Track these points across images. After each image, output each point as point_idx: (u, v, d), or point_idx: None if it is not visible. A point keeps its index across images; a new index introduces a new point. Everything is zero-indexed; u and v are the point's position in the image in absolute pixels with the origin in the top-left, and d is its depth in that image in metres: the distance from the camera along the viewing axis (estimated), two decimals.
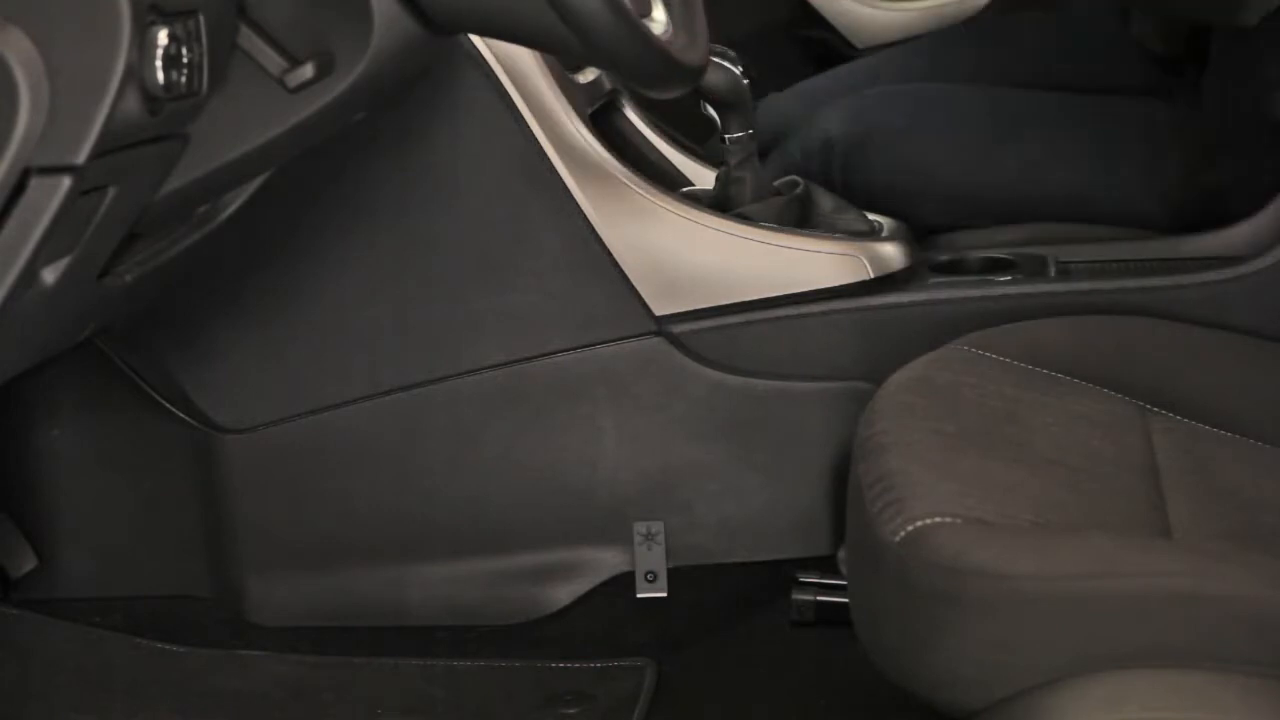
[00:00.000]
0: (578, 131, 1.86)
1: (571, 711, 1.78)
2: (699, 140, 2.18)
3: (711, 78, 1.86)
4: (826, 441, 1.89)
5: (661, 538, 1.90)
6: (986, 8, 2.60)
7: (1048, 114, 2.01)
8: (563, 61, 1.91)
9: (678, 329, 1.85)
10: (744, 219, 1.85)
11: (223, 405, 1.91)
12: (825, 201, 1.92)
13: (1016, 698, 1.28)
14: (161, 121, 1.15)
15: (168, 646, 1.90)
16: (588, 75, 1.98)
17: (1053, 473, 1.42)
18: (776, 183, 1.93)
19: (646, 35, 1.32)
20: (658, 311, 1.84)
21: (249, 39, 1.25)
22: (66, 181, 1.08)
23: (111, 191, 1.16)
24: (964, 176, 1.97)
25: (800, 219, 1.90)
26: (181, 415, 1.94)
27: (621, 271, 1.85)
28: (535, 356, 1.86)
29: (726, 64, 1.90)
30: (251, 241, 1.81)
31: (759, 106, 2.07)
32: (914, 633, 1.31)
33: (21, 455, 1.99)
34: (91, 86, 1.07)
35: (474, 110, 1.81)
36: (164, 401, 1.94)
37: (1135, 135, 2.02)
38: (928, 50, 2.28)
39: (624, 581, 1.91)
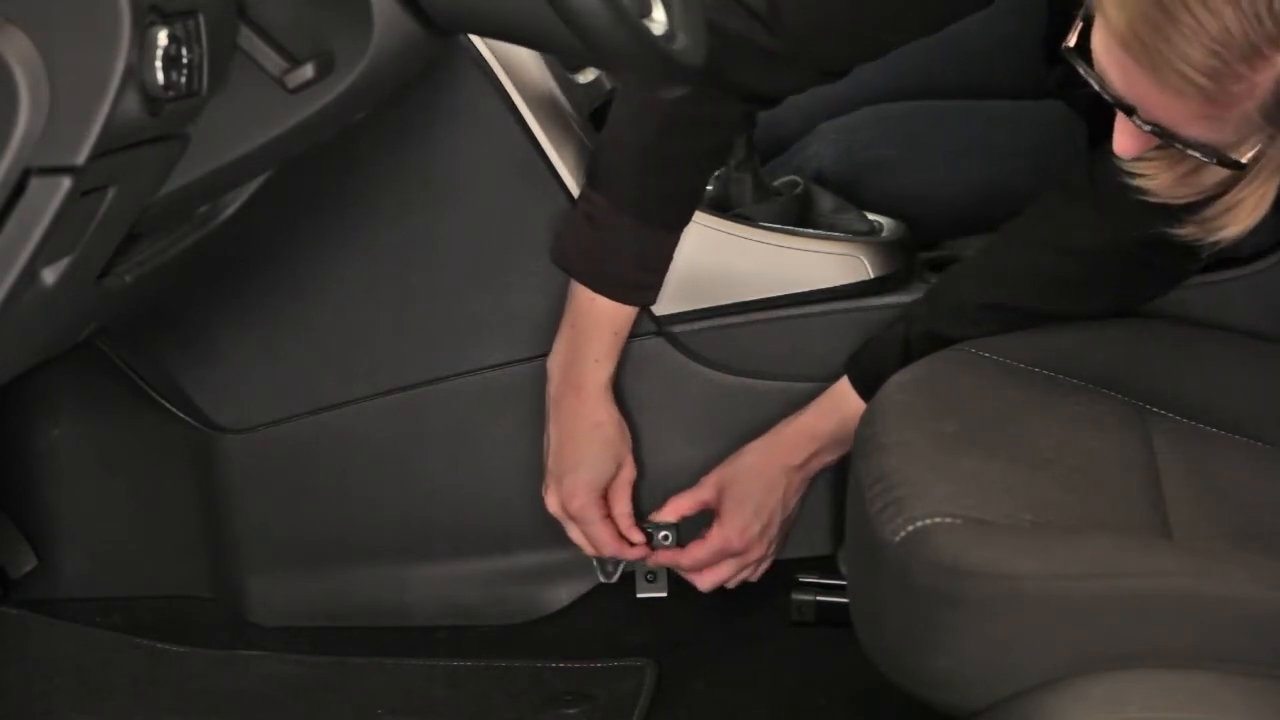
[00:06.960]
0: (578, 131, 1.86)
1: (571, 711, 1.78)
2: None
3: None
4: None
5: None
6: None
7: (1044, 122, 2.00)
8: (563, 61, 1.91)
9: (678, 329, 1.84)
10: (744, 219, 1.84)
11: (223, 405, 1.90)
12: (825, 201, 1.91)
13: (1016, 698, 1.28)
14: (161, 122, 1.15)
15: (168, 646, 1.90)
16: (588, 75, 1.98)
17: (1053, 473, 1.42)
18: (776, 183, 1.92)
19: (646, 35, 1.31)
20: (657, 311, 1.84)
21: (249, 39, 1.25)
22: (66, 182, 1.08)
23: (111, 192, 1.16)
24: (963, 195, 1.96)
25: (800, 219, 1.89)
26: (181, 415, 1.94)
27: None
28: (535, 356, 1.86)
29: None
30: (252, 242, 1.80)
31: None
32: (914, 633, 1.31)
33: (21, 455, 1.99)
34: (91, 87, 1.07)
35: (474, 110, 1.80)
36: (164, 401, 1.94)
37: None
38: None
39: (624, 581, 1.91)
